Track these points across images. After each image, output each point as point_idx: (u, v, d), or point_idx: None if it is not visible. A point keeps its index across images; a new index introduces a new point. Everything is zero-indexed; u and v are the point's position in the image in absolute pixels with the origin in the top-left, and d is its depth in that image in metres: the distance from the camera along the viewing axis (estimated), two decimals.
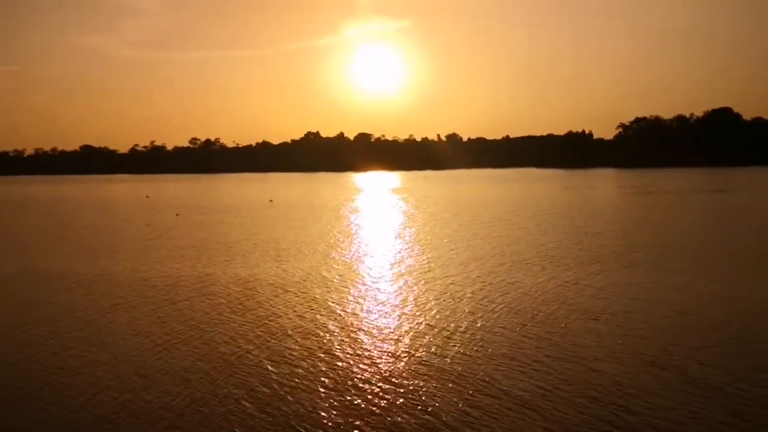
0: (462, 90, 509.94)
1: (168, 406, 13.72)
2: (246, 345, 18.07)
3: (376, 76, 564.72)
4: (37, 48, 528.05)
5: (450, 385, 14.57)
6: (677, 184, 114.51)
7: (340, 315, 21.37)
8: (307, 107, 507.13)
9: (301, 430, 12.50)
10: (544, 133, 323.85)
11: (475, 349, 17.21)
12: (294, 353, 17.20)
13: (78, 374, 15.94)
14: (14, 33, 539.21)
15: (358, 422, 12.76)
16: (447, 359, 16.37)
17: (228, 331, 19.53)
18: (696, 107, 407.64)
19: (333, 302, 23.29)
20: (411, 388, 14.47)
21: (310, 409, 13.43)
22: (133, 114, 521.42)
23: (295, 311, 22.02)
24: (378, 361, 16.46)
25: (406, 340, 18.23)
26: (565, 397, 13.69)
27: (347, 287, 26.07)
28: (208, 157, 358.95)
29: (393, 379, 15.03)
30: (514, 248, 36.24)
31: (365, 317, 21.07)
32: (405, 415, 12.99)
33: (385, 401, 13.74)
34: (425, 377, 15.12)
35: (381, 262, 32.76)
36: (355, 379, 15.09)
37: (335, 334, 19.08)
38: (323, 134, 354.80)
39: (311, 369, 15.90)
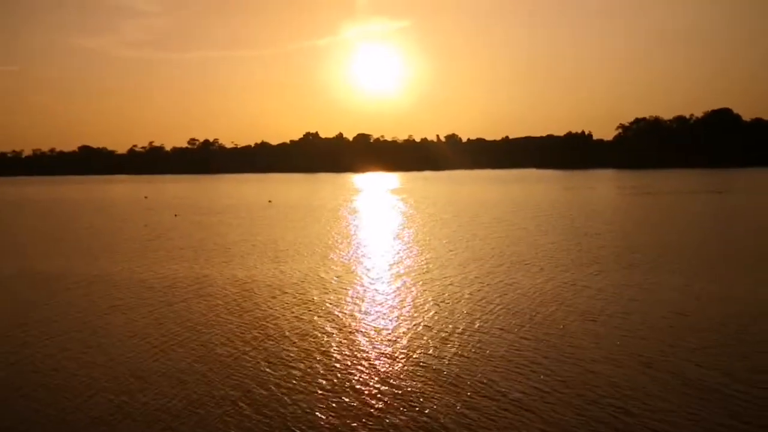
0: (461, 90, 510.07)
1: (164, 407, 13.67)
2: (243, 346, 18.02)
3: (375, 76, 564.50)
4: (36, 48, 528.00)
5: (448, 386, 14.53)
6: (676, 185, 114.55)
7: (337, 316, 21.32)
8: (307, 107, 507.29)
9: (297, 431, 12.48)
10: (544, 134, 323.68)
11: (473, 350, 17.16)
12: (291, 355, 17.15)
13: (75, 376, 15.89)
14: (14, 33, 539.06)
15: (355, 424, 12.71)
16: (445, 361, 16.33)
17: (225, 333, 19.48)
18: (696, 108, 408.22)
19: (331, 304, 23.24)
20: (408, 389, 14.42)
21: (307, 411, 13.38)
22: (131, 114, 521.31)
23: (293, 313, 21.97)
24: (375, 362, 16.41)
25: (404, 342, 18.19)
26: (563, 398, 13.65)
27: (345, 289, 26.02)
28: (206, 158, 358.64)
29: (390, 381, 14.99)
30: (513, 249, 36.20)
31: (363, 319, 21.03)
32: (402, 417, 12.94)
33: (382, 403, 13.70)
34: (423, 379, 15.08)
35: (379, 263, 32.71)
36: (353, 381, 15.04)
37: (333, 335, 19.03)
38: (322, 135, 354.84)
39: (308, 371, 15.85)
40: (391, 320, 20.69)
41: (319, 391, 14.42)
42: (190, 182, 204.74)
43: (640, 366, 15.60)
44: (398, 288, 25.96)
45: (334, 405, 13.64)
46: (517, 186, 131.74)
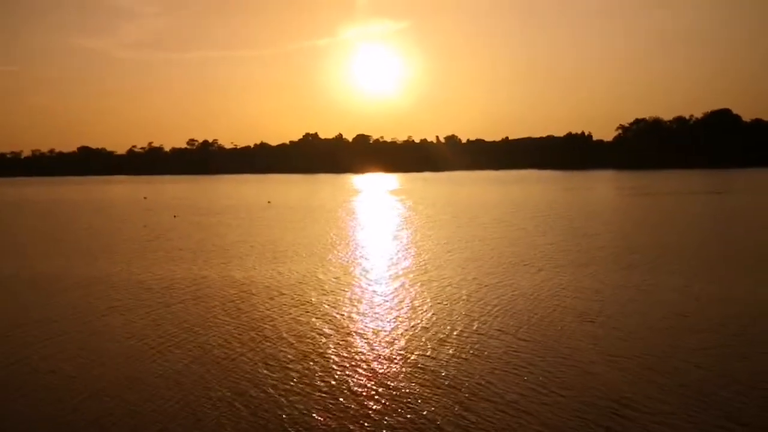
0: (461, 91, 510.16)
1: (161, 409, 13.60)
2: (240, 348, 17.96)
3: (375, 77, 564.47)
4: (36, 49, 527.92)
5: (445, 388, 14.46)
6: (676, 186, 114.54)
7: (335, 318, 21.26)
8: (306, 108, 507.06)
9: None
10: (544, 135, 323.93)
11: (470, 351, 17.10)
12: (289, 356, 17.09)
13: (72, 377, 15.82)
14: (13, 33, 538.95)
15: (352, 426, 12.65)
16: (442, 362, 16.27)
17: (223, 334, 19.42)
18: (695, 108, 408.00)
19: (329, 305, 23.18)
20: (406, 391, 14.36)
21: (305, 413, 13.32)
22: (131, 115, 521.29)
23: (291, 314, 21.91)
24: (373, 364, 16.35)
25: (402, 343, 18.13)
26: (561, 400, 13.59)
27: (344, 290, 25.96)
28: (206, 159, 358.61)
29: (387, 382, 14.93)
30: (512, 250, 36.15)
31: (361, 320, 20.97)
32: (399, 419, 12.88)
33: (379, 405, 13.64)
34: (421, 380, 15.01)
35: (378, 264, 32.66)
36: (350, 383, 14.98)
37: (331, 337, 18.97)
38: (322, 135, 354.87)
39: (306, 372, 15.79)
40: (388, 321, 20.63)
41: (317, 393, 14.36)
42: (189, 183, 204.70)
43: (638, 367, 15.54)
44: (396, 289, 25.90)
45: (331, 407, 13.58)
46: (517, 187, 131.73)
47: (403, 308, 22.42)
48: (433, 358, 16.60)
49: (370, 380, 15.13)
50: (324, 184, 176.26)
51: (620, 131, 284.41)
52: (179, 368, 16.26)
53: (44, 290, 27.30)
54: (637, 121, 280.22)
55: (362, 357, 16.93)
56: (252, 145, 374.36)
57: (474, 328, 19.46)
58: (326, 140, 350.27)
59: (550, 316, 20.80)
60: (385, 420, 12.87)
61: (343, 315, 21.61)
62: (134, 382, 15.29)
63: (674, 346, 17.23)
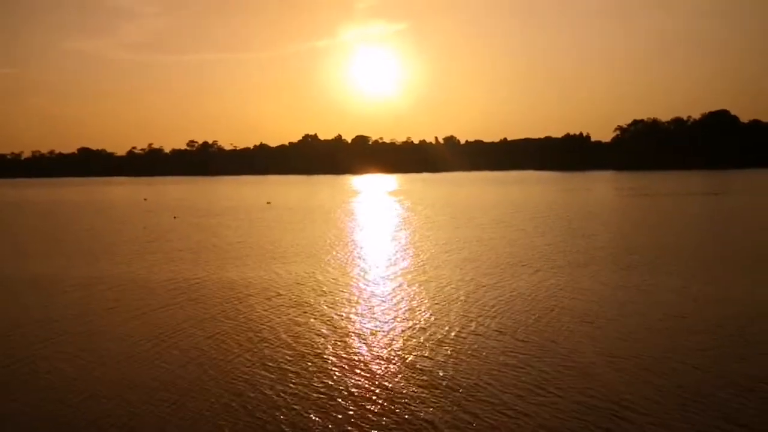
0: (460, 92, 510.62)
1: (159, 410, 13.62)
2: (239, 350, 17.99)
3: (373, 78, 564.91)
4: (34, 50, 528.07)
5: (443, 389, 14.51)
6: (674, 187, 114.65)
7: (334, 319, 21.32)
8: (305, 110, 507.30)
9: None
10: (542, 136, 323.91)
11: (468, 353, 17.15)
12: (287, 358, 17.14)
13: (72, 377, 15.82)
14: (12, 35, 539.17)
15: (350, 428, 12.71)
16: (440, 363, 16.31)
17: (222, 335, 19.46)
18: (693, 109, 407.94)
19: (327, 306, 23.24)
20: (403, 392, 14.41)
21: (303, 414, 13.36)
22: (130, 116, 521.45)
23: (290, 315, 21.97)
24: (371, 365, 16.39)
25: (399, 344, 18.18)
26: (559, 402, 13.63)
27: (342, 291, 26.03)
28: (205, 160, 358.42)
29: (385, 384, 14.98)
30: (511, 250, 36.23)
31: (359, 321, 21.03)
32: (397, 420, 12.93)
33: (377, 406, 13.68)
34: (418, 382, 15.05)
35: (376, 265, 32.73)
36: (348, 384, 15.02)
37: (329, 338, 19.03)
38: (321, 137, 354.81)
39: (304, 374, 15.82)
40: (386, 322, 20.69)
41: (314, 395, 14.41)
42: (189, 184, 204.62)
43: (637, 368, 15.59)
44: (395, 290, 25.97)
45: (329, 409, 13.61)
46: (516, 187, 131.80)
47: (401, 309, 22.49)
48: (431, 359, 16.66)
49: (368, 381, 15.17)
50: (323, 185, 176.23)
51: (618, 132, 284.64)
52: (178, 369, 16.29)
53: (45, 290, 27.35)
54: (635, 122, 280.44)
55: (360, 358, 16.99)
56: (251, 147, 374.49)
57: (472, 328, 19.54)
58: (325, 141, 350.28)
59: (548, 316, 20.86)
60: (383, 421, 12.93)
61: (341, 316, 21.68)
62: (134, 383, 15.31)
63: (672, 347, 17.30)
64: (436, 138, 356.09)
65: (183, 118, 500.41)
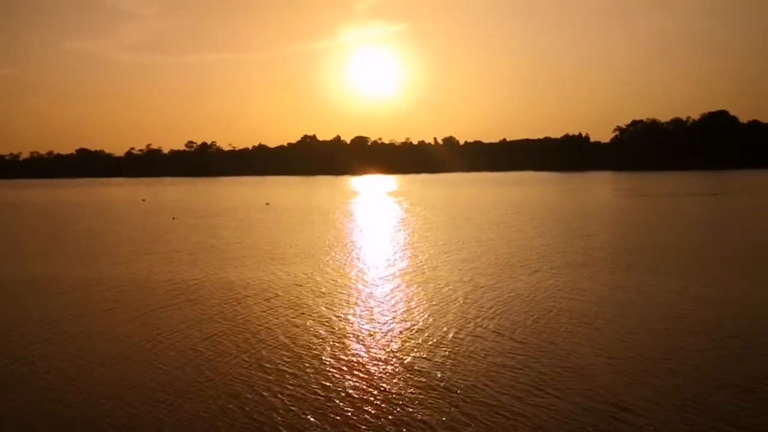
0: (459, 93, 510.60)
1: (157, 411, 13.57)
2: (236, 351, 17.94)
3: (373, 79, 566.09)
4: (34, 51, 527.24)
5: (440, 391, 14.46)
6: (673, 187, 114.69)
7: (331, 320, 21.28)
8: (304, 110, 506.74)
9: None
10: (541, 136, 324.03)
11: (466, 354, 17.10)
12: (285, 359, 17.09)
13: (71, 378, 15.76)
14: (12, 36, 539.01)
15: (347, 429, 12.66)
16: (437, 364, 16.26)
17: (218, 337, 19.40)
18: (693, 110, 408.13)
19: (325, 307, 23.21)
20: (400, 394, 14.35)
21: (300, 415, 13.31)
22: (129, 117, 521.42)
23: (289, 317, 21.92)
24: (368, 366, 16.34)
25: (397, 345, 18.14)
26: (557, 403, 13.57)
27: (340, 292, 25.99)
28: (204, 161, 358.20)
29: (382, 385, 14.92)
30: (509, 251, 36.20)
31: (357, 322, 20.99)
32: (393, 422, 12.88)
33: (374, 407, 13.62)
34: (415, 383, 14.99)
35: (375, 265, 32.70)
36: (345, 385, 14.96)
37: (326, 339, 18.98)
38: (320, 137, 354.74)
39: (301, 375, 15.77)
40: (384, 323, 20.64)
41: (312, 396, 14.36)
42: (187, 185, 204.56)
43: (635, 370, 15.54)
44: (393, 290, 25.93)
45: (326, 410, 13.56)
46: (515, 188, 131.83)
47: (399, 310, 22.45)
48: (429, 361, 16.62)
49: (366, 383, 15.12)
50: (322, 185, 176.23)
51: (617, 133, 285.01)
52: (175, 370, 16.23)
53: (44, 291, 27.33)
54: (634, 123, 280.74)
55: (358, 360, 16.94)
56: (250, 147, 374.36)
57: (469, 329, 19.49)
58: (324, 142, 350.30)
59: (547, 317, 20.82)
60: (380, 422, 12.88)
61: (339, 317, 21.64)
62: (132, 384, 15.25)
63: (671, 348, 17.26)
64: (435, 139, 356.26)
65: (182, 118, 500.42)
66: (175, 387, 15.08)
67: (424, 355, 17.07)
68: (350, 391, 14.58)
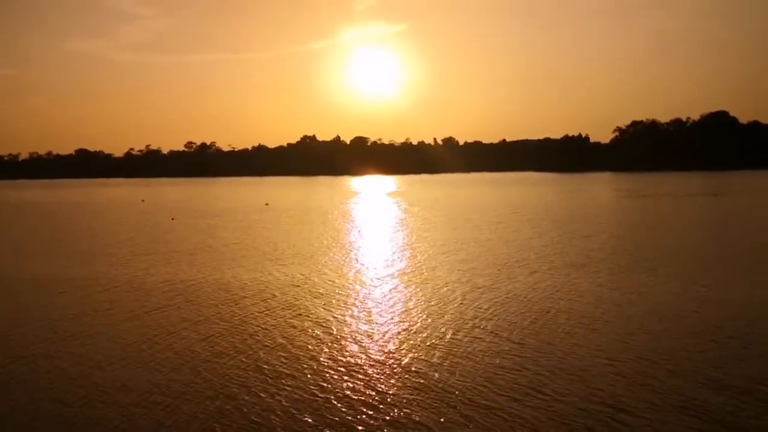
0: (459, 93, 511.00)
1: (154, 413, 13.52)
2: (234, 352, 17.87)
3: (372, 79, 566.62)
4: (34, 51, 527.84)
5: (437, 392, 14.39)
6: (673, 188, 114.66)
7: (329, 321, 21.22)
8: (304, 111, 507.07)
9: None
10: (541, 137, 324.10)
11: (463, 355, 17.03)
12: (283, 361, 17.03)
13: (71, 378, 15.71)
14: (11, 36, 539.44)
15: (343, 430, 12.60)
16: (434, 365, 16.18)
17: (215, 338, 19.34)
18: (692, 111, 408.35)
19: (323, 308, 23.15)
20: (397, 395, 14.29)
21: (297, 417, 13.24)
22: (128, 117, 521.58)
23: (284, 318, 21.86)
24: (365, 368, 16.27)
25: (394, 346, 18.07)
26: (555, 405, 13.51)
27: (338, 292, 25.93)
28: (203, 161, 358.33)
29: (379, 386, 14.85)
30: (508, 252, 36.14)
31: (355, 323, 20.93)
32: (391, 424, 12.82)
33: (371, 409, 13.56)
34: (412, 384, 14.93)
35: (373, 266, 32.64)
36: (342, 387, 14.90)
37: (324, 340, 18.92)
38: (320, 138, 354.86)
39: (299, 376, 15.70)
40: (382, 324, 20.58)
41: (308, 397, 14.29)
42: (187, 185, 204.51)
43: (634, 371, 15.47)
44: (391, 291, 25.87)
45: (323, 411, 13.48)
46: (514, 189, 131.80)
47: (396, 311, 22.39)
48: (426, 361, 16.55)
49: (363, 384, 15.06)
50: (322, 186, 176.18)
51: (617, 134, 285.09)
52: (172, 372, 16.16)
53: (43, 291, 27.33)
54: (634, 124, 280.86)
55: (355, 361, 16.88)
56: (250, 148, 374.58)
57: (467, 330, 19.43)
58: (324, 142, 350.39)
59: (545, 318, 20.76)
60: (377, 424, 12.81)
61: (336, 318, 21.58)
62: (128, 385, 15.17)
63: (670, 349, 17.20)
64: (435, 139, 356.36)
65: (181, 119, 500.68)
66: (173, 388, 15.03)
67: (422, 356, 17.01)
68: (347, 393, 14.52)
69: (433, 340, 18.47)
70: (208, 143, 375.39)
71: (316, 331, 19.83)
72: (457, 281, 27.50)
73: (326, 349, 17.92)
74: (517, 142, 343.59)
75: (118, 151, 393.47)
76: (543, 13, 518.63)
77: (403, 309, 22.69)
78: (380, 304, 23.70)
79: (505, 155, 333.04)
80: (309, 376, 15.71)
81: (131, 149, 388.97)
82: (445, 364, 16.34)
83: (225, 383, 15.29)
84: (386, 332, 19.65)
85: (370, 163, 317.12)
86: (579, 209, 69.74)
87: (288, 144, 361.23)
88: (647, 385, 14.52)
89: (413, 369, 16.03)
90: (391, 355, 17.32)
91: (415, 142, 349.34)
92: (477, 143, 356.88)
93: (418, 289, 26.05)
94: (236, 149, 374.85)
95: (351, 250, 39.28)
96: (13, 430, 13.03)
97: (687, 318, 20.53)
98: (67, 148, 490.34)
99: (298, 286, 27.42)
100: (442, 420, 12.90)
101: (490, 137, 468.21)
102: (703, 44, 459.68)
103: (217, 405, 13.94)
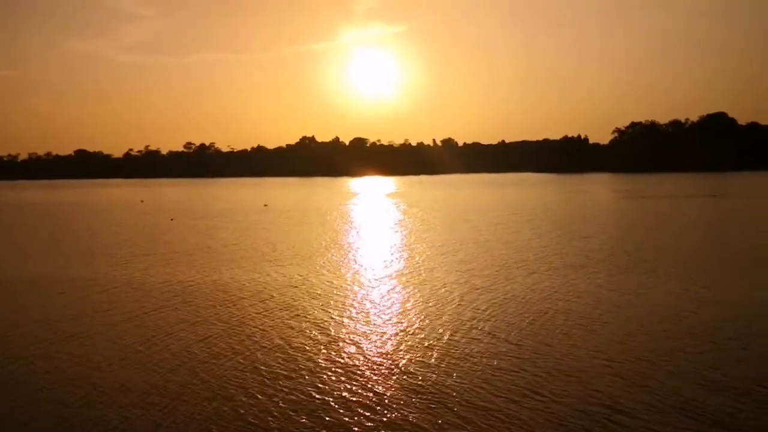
0: (458, 94, 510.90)
1: (148, 414, 13.49)
2: (230, 353, 17.85)
3: (372, 80, 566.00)
4: (33, 52, 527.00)
5: (434, 393, 14.36)
6: (672, 189, 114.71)
7: (327, 321, 21.19)
8: (303, 112, 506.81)
9: None
10: (540, 138, 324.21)
11: (461, 357, 16.99)
12: (280, 362, 17.00)
13: (70, 378, 15.68)
14: (11, 37, 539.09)
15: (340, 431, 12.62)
16: (432, 368, 16.15)
17: (213, 339, 19.30)
18: (691, 112, 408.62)
19: (321, 309, 23.12)
20: (393, 396, 14.26)
21: (294, 418, 13.22)
22: (128, 118, 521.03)
23: (282, 319, 21.84)
24: (362, 369, 16.24)
25: (392, 348, 18.05)
26: (552, 406, 13.48)
27: (336, 293, 25.90)
28: (203, 162, 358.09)
29: (376, 388, 14.82)
30: (506, 253, 36.12)
31: (352, 324, 20.89)
32: (388, 425, 12.79)
33: (368, 411, 13.52)
34: (408, 385, 14.90)
35: (371, 267, 32.62)
36: (339, 388, 14.86)
37: (321, 341, 18.89)
38: (319, 139, 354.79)
39: (296, 377, 15.68)
40: (379, 325, 20.55)
41: (305, 399, 14.25)
42: (186, 186, 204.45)
43: (632, 373, 15.44)
44: (388, 292, 25.84)
45: (319, 412, 13.45)
46: (513, 190, 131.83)
47: (394, 312, 22.37)
48: (424, 363, 16.52)
49: (360, 385, 15.03)
50: (321, 187, 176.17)
51: (616, 135, 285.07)
52: (170, 373, 16.13)
53: (42, 291, 27.37)
54: (633, 125, 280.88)
55: (352, 362, 16.85)
56: (249, 149, 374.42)
57: (465, 331, 19.40)
58: (323, 143, 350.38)
59: (543, 319, 20.73)
60: (374, 425, 12.78)
61: (334, 319, 21.55)
62: (126, 386, 15.14)
63: (670, 350, 17.18)
64: (434, 140, 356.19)
65: (181, 119, 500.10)
66: (171, 389, 15.00)
67: (420, 358, 16.99)
68: (344, 394, 14.50)
69: (431, 341, 18.45)
70: (208, 144, 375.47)
71: (313, 333, 19.81)
72: (456, 282, 27.48)
73: (324, 351, 17.90)
74: (516, 143, 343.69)
75: (118, 152, 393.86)
76: (542, 13, 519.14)
77: (400, 310, 22.67)
78: (378, 305, 23.68)
79: (504, 156, 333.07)
80: (306, 377, 15.69)
81: (130, 150, 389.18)
82: (443, 365, 16.32)
83: (222, 384, 15.27)
84: (384, 333, 19.64)
85: (369, 164, 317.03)
86: (578, 210, 69.75)
87: (287, 145, 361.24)
88: (646, 386, 14.50)
89: (411, 370, 16.01)
90: (388, 356, 17.30)
91: (414, 143, 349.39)
92: (476, 144, 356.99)
93: (416, 290, 26.03)
94: (235, 150, 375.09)
95: (349, 251, 39.27)
96: (12, 431, 13.01)
97: (686, 319, 20.52)
98: (66, 149, 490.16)
99: (296, 287, 27.40)
100: (439, 421, 12.88)
101: (489, 138, 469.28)
102: (703, 44, 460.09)
103: (214, 406, 13.92)
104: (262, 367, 16.48)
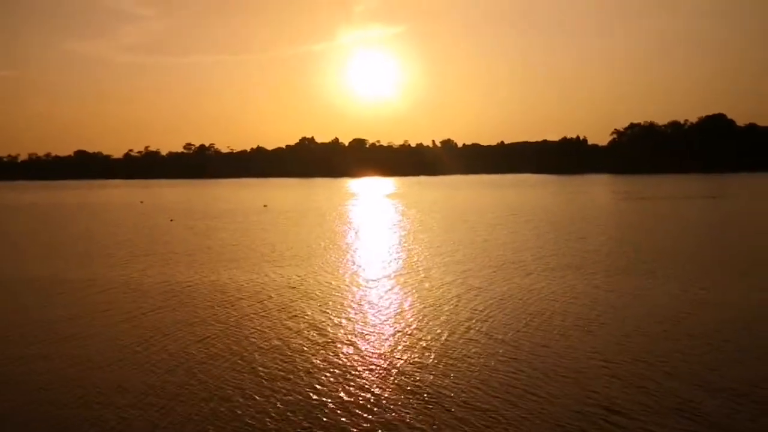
0: (457, 95, 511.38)
1: (145, 415, 13.48)
2: (228, 354, 17.83)
3: (371, 81, 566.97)
4: (33, 53, 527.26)
5: (432, 396, 14.35)
6: (670, 190, 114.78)
7: (325, 322, 21.18)
8: (303, 112, 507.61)
9: None
10: (539, 139, 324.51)
11: (458, 357, 16.99)
12: (278, 363, 16.99)
13: (61, 381, 15.65)
14: (11, 38, 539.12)
15: None
16: (429, 369, 16.14)
17: (211, 340, 19.30)
18: (690, 113, 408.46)
19: (319, 309, 23.11)
20: (391, 398, 14.25)
21: (291, 419, 13.22)
22: (127, 119, 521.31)
23: (280, 319, 21.83)
24: (360, 370, 16.23)
25: (389, 349, 18.04)
26: (549, 408, 13.47)
27: (335, 294, 25.90)
28: (202, 163, 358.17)
29: (373, 389, 14.81)
30: (504, 253, 36.13)
31: (349, 325, 20.88)
32: (385, 426, 12.80)
33: (365, 412, 13.51)
34: (406, 387, 14.89)
35: (369, 268, 32.64)
36: (336, 389, 14.85)
37: (319, 342, 18.88)
38: (318, 140, 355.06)
39: (294, 379, 15.68)
40: (377, 326, 20.54)
41: (303, 400, 14.25)
42: (185, 187, 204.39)
43: (630, 374, 15.44)
44: (386, 293, 25.84)
45: (316, 414, 13.45)
46: (512, 191, 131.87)
47: (392, 312, 22.37)
48: (421, 363, 16.51)
49: (357, 387, 15.01)
50: (320, 188, 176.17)
51: (615, 136, 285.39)
52: (167, 374, 16.12)
53: (41, 292, 27.33)
54: (632, 126, 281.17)
55: (350, 363, 16.84)
56: (249, 150, 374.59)
57: (462, 332, 19.40)
58: (323, 144, 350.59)
59: (540, 320, 20.72)
60: (371, 426, 12.77)
61: (332, 320, 21.55)
62: (124, 387, 15.12)
63: (668, 351, 17.19)
64: (434, 141, 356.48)
65: (180, 120, 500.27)
66: (168, 390, 15.00)
67: (417, 358, 16.99)
68: (342, 395, 14.50)
69: (428, 342, 18.46)
70: (207, 145, 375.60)
71: (311, 333, 19.82)
72: (453, 283, 27.49)
73: (321, 351, 17.90)
74: (516, 144, 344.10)
75: (117, 153, 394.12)
76: (541, 14, 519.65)
77: (398, 311, 22.68)
78: (376, 305, 23.69)
79: (504, 157, 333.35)
80: (304, 378, 15.69)
81: (130, 150, 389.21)
82: (440, 365, 16.33)
83: (220, 385, 15.27)
84: (381, 334, 19.65)
85: (368, 165, 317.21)
86: (577, 211, 69.78)
87: (287, 146, 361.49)
88: (643, 387, 14.51)
89: (408, 371, 16.01)
90: (385, 357, 17.31)
91: (413, 144, 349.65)
92: (475, 145, 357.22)
93: (413, 291, 26.05)
94: (235, 151, 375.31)
95: (348, 252, 39.29)
96: (10, 431, 13.01)
97: (684, 320, 20.54)
98: (66, 150, 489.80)
99: (295, 287, 27.41)
100: (436, 422, 12.88)
101: (488, 139, 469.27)
102: (703, 45, 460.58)
103: (211, 407, 13.92)
104: (260, 368, 16.49)
